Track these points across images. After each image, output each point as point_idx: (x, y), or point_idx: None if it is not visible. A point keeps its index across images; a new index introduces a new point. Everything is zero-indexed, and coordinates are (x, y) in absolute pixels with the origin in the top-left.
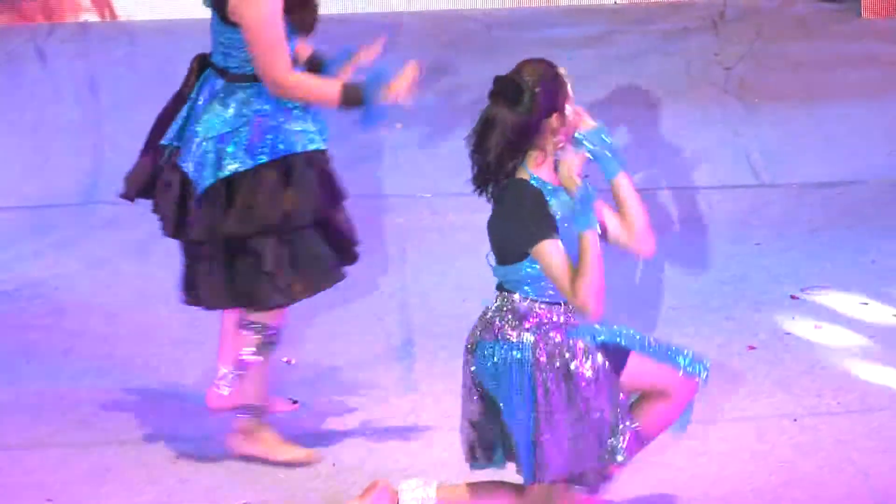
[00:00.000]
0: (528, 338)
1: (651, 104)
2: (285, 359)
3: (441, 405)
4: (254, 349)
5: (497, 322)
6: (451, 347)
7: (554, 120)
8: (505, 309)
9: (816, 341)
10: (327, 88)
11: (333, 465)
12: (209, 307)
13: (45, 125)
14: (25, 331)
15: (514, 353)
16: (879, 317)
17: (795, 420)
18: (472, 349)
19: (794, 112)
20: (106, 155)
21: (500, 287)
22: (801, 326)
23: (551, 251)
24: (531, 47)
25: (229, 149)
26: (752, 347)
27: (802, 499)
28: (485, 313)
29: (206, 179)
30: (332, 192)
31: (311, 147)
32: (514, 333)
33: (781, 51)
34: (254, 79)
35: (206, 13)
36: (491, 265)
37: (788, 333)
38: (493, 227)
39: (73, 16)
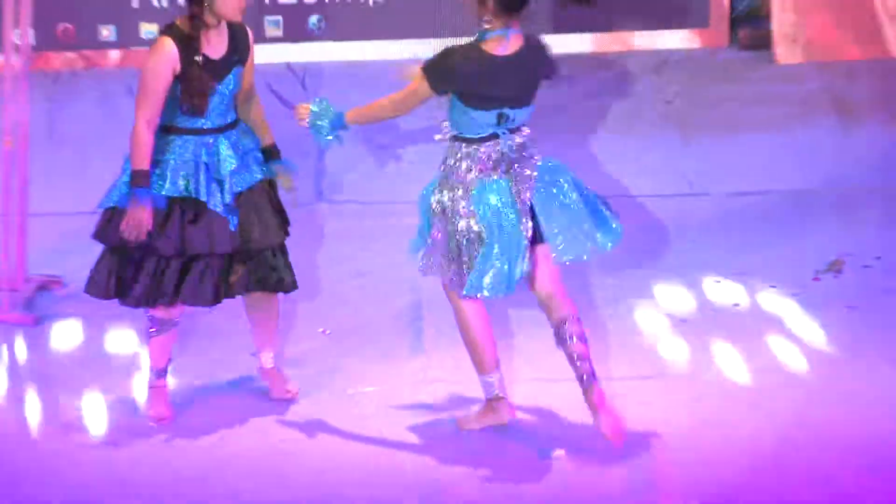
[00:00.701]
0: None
1: (609, 130)
2: (321, 329)
3: (446, 365)
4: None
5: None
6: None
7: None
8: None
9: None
10: (138, 157)
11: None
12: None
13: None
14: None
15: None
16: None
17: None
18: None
19: (720, 138)
20: None
21: None
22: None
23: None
24: None
25: None
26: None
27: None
28: None
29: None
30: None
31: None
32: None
33: (709, 91)
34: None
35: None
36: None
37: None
38: None
39: None
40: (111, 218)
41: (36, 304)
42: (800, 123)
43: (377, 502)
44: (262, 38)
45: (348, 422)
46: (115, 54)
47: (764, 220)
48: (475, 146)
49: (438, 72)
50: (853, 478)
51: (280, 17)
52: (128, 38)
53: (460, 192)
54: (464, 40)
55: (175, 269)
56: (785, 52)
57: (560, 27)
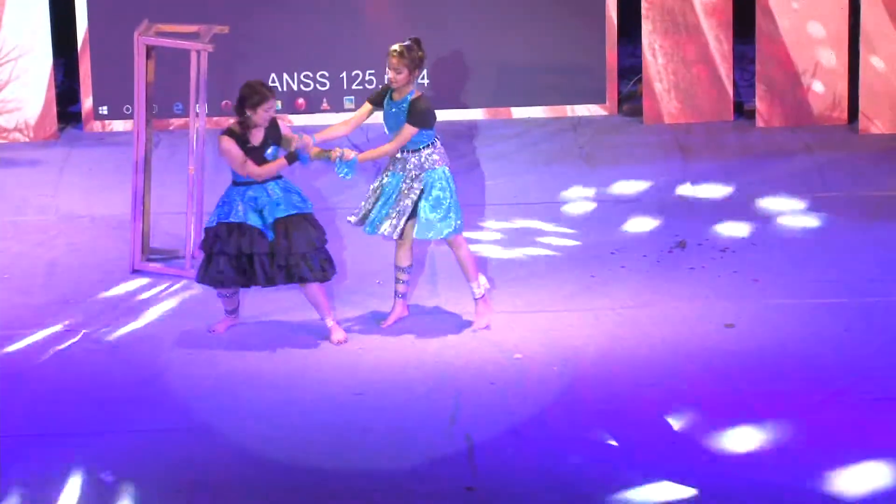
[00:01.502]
0: None
1: (544, 164)
2: (378, 280)
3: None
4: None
5: None
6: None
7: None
8: None
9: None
10: (268, 173)
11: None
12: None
13: None
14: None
15: None
16: None
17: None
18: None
19: (612, 168)
20: None
21: None
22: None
23: None
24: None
25: None
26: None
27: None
28: None
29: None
30: None
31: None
32: None
33: (606, 140)
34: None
35: None
36: None
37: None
38: None
39: None
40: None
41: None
42: (660, 158)
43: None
44: (342, 109)
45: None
46: None
47: (638, 216)
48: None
49: (431, 117)
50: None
51: (353, 97)
52: None
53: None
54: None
55: (235, 264)
56: (650, 114)
57: (521, 102)
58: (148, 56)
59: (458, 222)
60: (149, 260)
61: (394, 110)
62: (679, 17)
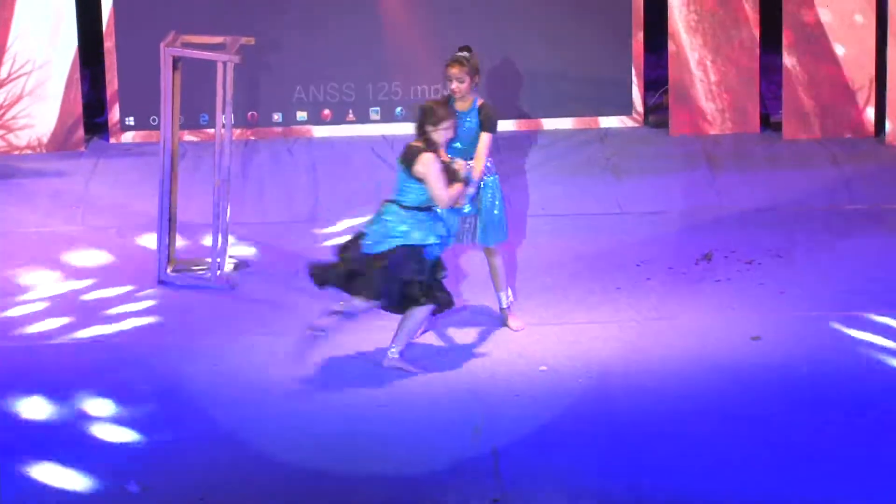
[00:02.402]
0: None
1: (570, 176)
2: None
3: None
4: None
5: None
6: None
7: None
8: None
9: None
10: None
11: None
12: None
13: None
14: None
15: None
16: None
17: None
18: None
19: (640, 178)
20: None
21: None
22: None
23: None
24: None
25: None
26: None
27: None
28: None
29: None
30: None
31: None
32: None
33: (632, 150)
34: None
35: None
36: None
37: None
38: None
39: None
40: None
41: (233, 276)
42: (684, 169)
43: None
44: (367, 120)
45: None
46: (278, 130)
47: (662, 229)
48: None
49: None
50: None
51: (378, 108)
52: (289, 120)
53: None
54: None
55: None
56: (675, 128)
57: (552, 113)
58: (174, 67)
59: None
60: (175, 271)
61: (467, 121)
62: (722, 29)
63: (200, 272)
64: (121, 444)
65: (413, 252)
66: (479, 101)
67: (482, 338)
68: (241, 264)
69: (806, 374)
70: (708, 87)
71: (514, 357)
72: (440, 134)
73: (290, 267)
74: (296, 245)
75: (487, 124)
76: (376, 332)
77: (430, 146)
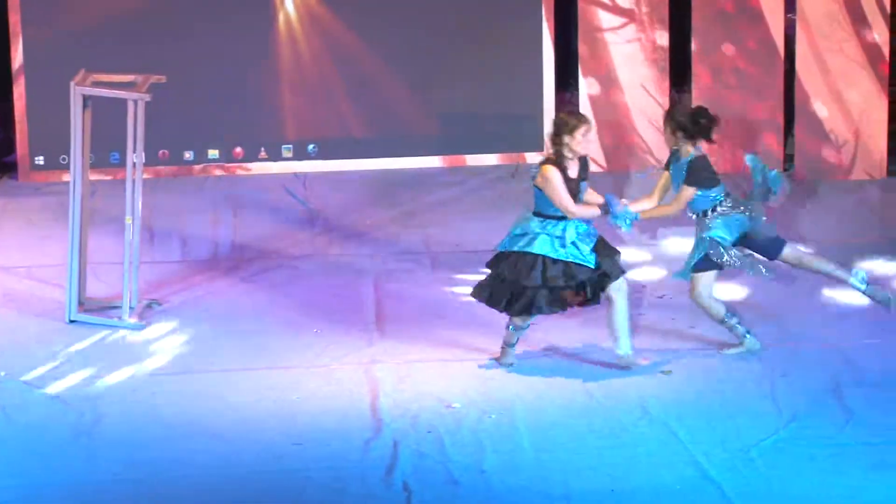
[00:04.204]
0: None
1: (490, 207)
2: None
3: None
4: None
5: None
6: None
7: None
8: None
9: None
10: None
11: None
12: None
13: None
14: None
15: None
16: None
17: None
18: None
19: None
20: None
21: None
22: None
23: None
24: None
25: None
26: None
27: None
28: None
29: None
30: None
31: None
32: None
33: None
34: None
35: None
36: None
37: None
38: None
39: None
40: (499, 256)
41: (145, 315)
42: None
43: None
44: (279, 158)
45: None
46: (189, 168)
47: None
48: None
49: (707, 177)
50: None
51: (291, 145)
52: (200, 157)
53: None
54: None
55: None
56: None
57: (475, 150)
58: (84, 106)
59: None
60: (86, 310)
61: (676, 169)
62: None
63: (111, 311)
64: (34, 484)
65: (537, 260)
66: (694, 155)
67: (394, 375)
68: (153, 303)
69: (718, 406)
70: (615, 122)
71: (426, 395)
72: (577, 141)
73: (201, 305)
74: (208, 283)
75: (689, 176)
76: (293, 370)
77: (559, 158)
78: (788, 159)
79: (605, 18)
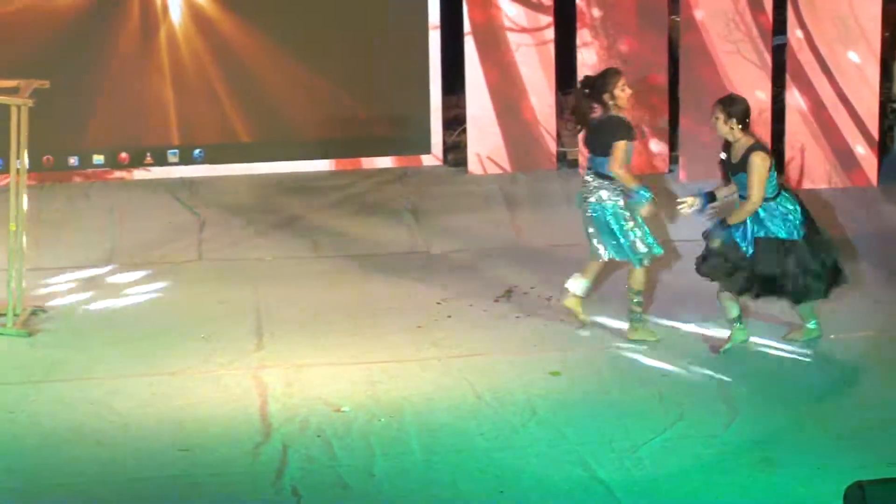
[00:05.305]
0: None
1: (375, 211)
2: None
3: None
4: None
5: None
6: None
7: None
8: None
9: None
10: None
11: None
12: None
13: None
14: None
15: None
16: None
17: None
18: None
19: (438, 217)
20: None
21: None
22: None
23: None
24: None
25: None
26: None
27: None
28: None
29: None
30: None
31: None
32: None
33: (431, 189)
34: None
35: None
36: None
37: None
38: None
39: None
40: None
41: (29, 322)
42: (483, 207)
43: None
44: (165, 163)
45: None
46: (74, 173)
47: (462, 267)
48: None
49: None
50: None
51: (177, 150)
52: (85, 163)
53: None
54: None
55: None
56: (475, 165)
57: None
58: None
59: None
60: None
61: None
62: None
63: None
64: None
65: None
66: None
67: (283, 379)
68: (38, 310)
69: (606, 406)
70: (506, 126)
71: (314, 399)
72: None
73: (88, 312)
74: (94, 290)
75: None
76: (179, 375)
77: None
78: (674, 160)
79: (497, 18)
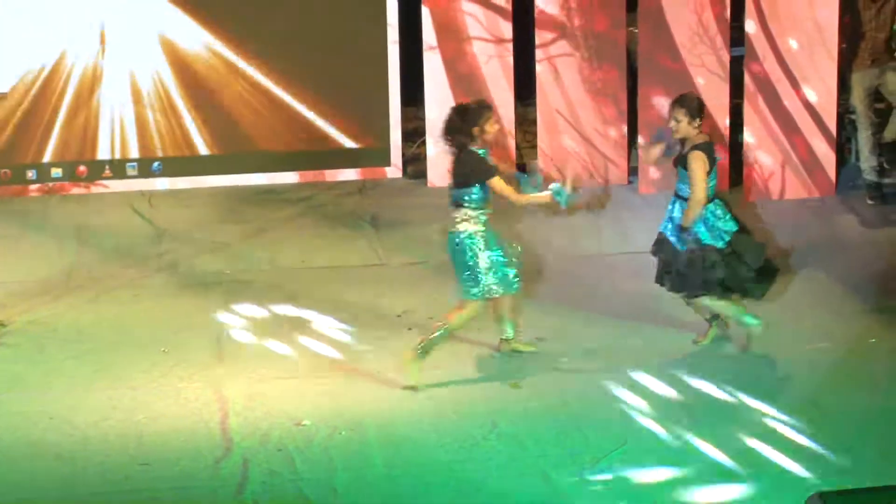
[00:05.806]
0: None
1: (333, 226)
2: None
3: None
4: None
5: None
6: None
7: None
8: None
9: None
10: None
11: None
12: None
13: None
14: None
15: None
16: None
17: None
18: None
19: (396, 229)
20: None
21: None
22: None
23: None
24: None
25: None
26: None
27: None
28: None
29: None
30: None
31: None
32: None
33: (392, 201)
34: None
35: None
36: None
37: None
38: None
39: None
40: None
41: None
42: (443, 219)
43: None
44: (124, 176)
45: None
46: (32, 187)
47: (422, 279)
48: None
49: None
50: None
51: (136, 163)
52: (43, 177)
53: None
54: None
55: None
56: (434, 177)
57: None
58: None
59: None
60: None
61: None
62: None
63: None
64: None
65: None
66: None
67: (244, 393)
68: None
69: (566, 418)
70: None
71: (275, 413)
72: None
73: (46, 325)
74: (53, 303)
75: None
76: (139, 389)
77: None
78: (632, 171)
79: (459, 30)
